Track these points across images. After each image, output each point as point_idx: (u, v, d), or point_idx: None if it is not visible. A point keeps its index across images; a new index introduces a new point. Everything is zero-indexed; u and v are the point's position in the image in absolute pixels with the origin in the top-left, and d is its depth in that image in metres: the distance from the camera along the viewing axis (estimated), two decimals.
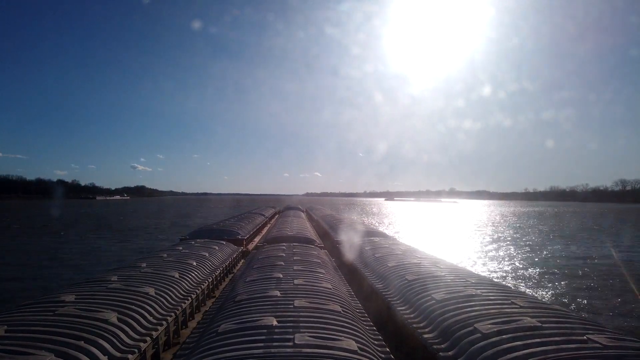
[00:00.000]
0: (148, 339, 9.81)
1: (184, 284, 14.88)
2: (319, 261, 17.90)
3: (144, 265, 16.17)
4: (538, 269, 34.23)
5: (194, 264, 17.72)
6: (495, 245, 49.87)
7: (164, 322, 11.11)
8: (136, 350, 9.07)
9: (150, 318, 11.03)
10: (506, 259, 39.90)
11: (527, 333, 8.30)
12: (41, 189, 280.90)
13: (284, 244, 23.71)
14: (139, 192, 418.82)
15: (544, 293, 26.18)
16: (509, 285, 23.98)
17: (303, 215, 66.45)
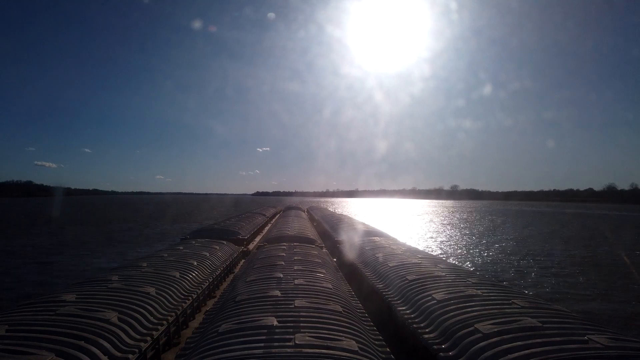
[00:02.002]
0: (149, 338, 9.82)
1: (184, 283, 14.88)
2: (320, 261, 17.90)
3: (144, 264, 16.16)
4: None
5: (195, 263, 17.72)
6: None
7: (165, 322, 11.11)
8: (137, 350, 9.07)
9: (151, 318, 11.03)
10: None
11: (528, 333, 8.29)
12: None
13: (285, 243, 23.70)
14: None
15: None
16: (509, 285, 23.92)
17: (304, 215, 66.44)
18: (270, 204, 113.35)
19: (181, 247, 21.75)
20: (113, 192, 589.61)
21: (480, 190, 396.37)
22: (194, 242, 24.75)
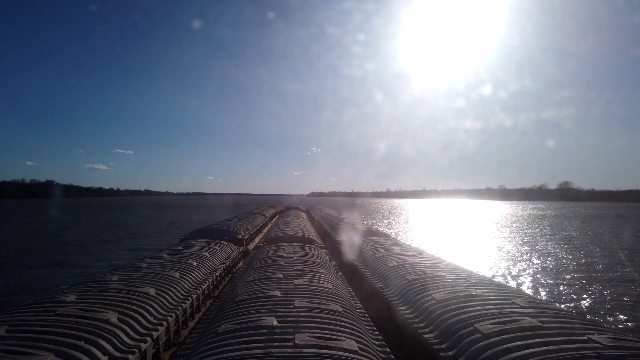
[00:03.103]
0: (148, 339, 9.81)
1: (184, 284, 14.88)
2: (320, 261, 17.90)
3: (144, 265, 16.17)
4: None
5: (195, 264, 17.72)
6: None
7: (165, 322, 11.11)
8: (137, 350, 9.07)
9: (151, 318, 11.03)
10: None
11: (528, 333, 8.29)
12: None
13: (285, 244, 23.69)
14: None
15: None
16: (510, 285, 23.91)
17: (304, 215, 66.41)
18: (324, 204, 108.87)
19: (181, 248, 21.76)
20: (168, 193, 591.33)
21: (576, 188, 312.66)
22: (193, 242, 24.76)
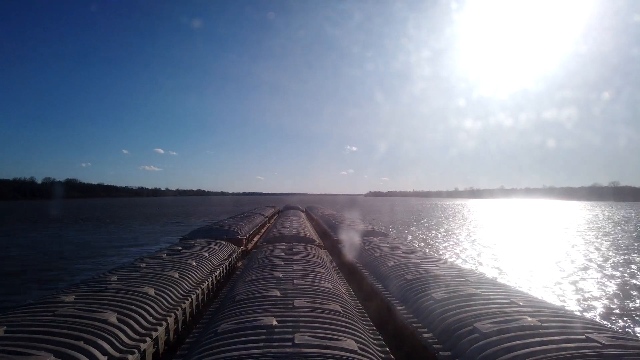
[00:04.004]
0: (148, 339, 9.81)
1: (183, 284, 14.87)
2: (319, 261, 17.90)
3: (143, 265, 16.17)
4: None
5: (194, 264, 17.71)
6: None
7: (164, 322, 11.11)
8: (136, 350, 9.06)
9: (150, 318, 11.03)
10: None
11: (527, 332, 8.29)
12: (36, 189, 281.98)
13: (284, 243, 23.69)
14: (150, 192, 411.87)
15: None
16: (509, 284, 23.87)
17: (303, 214, 66.44)
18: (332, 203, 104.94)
19: (180, 248, 21.75)
20: (222, 193, 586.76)
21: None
22: (192, 242, 24.76)
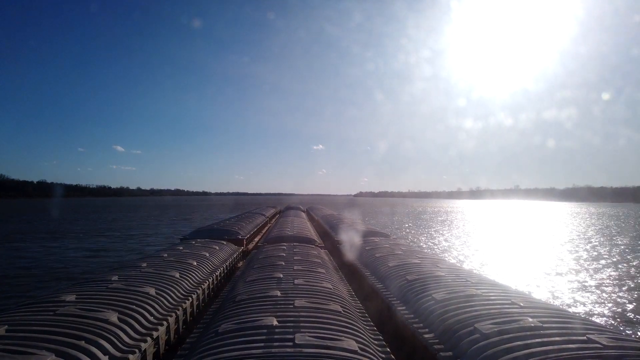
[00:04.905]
0: (149, 338, 9.82)
1: (184, 283, 14.88)
2: (320, 261, 17.90)
3: (144, 265, 16.18)
4: None
5: (195, 263, 17.72)
6: None
7: (165, 322, 11.12)
8: (137, 350, 9.07)
9: (151, 318, 11.04)
10: None
11: (528, 333, 8.29)
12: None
13: (285, 243, 23.70)
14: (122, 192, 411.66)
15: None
16: (510, 285, 23.74)
17: (303, 215, 66.44)
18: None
19: (181, 247, 21.77)
20: (204, 193, 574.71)
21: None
22: (193, 242, 24.78)
